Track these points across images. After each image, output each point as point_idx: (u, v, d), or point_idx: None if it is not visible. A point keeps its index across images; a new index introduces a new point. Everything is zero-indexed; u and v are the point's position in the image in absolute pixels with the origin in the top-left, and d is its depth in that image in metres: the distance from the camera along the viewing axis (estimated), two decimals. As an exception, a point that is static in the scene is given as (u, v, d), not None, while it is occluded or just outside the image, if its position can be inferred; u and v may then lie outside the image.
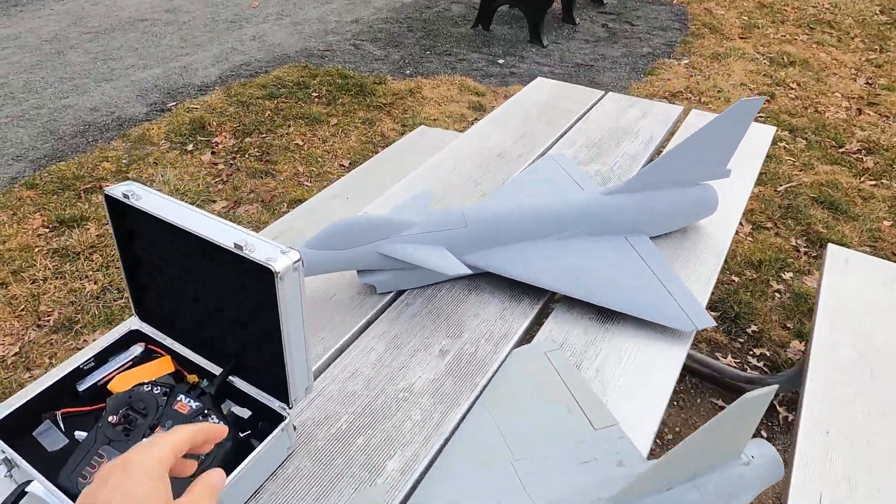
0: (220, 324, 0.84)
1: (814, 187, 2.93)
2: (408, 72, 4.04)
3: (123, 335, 0.95)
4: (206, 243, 0.72)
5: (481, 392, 0.97)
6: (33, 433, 0.86)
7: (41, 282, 2.25)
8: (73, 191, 2.76)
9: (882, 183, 2.99)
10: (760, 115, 3.59)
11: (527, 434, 0.85)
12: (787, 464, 1.45)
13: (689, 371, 1.95)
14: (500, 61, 4.25)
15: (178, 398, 0.82)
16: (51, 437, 0.85)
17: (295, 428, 0.89)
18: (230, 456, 0.78)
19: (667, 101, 3.76)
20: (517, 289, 1.17)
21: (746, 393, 0.66)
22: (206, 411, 0.81)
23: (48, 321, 2.11)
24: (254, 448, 0.78)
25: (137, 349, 0.94)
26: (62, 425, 0.86)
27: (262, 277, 0.69)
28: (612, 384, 0.99)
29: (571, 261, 1.15)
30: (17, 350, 2.00)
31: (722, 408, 1.85)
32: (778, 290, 2.29)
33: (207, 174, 2.91)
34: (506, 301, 1.14)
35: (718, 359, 1.97)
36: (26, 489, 0.76)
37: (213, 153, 3.09)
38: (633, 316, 1.09)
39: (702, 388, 1.90)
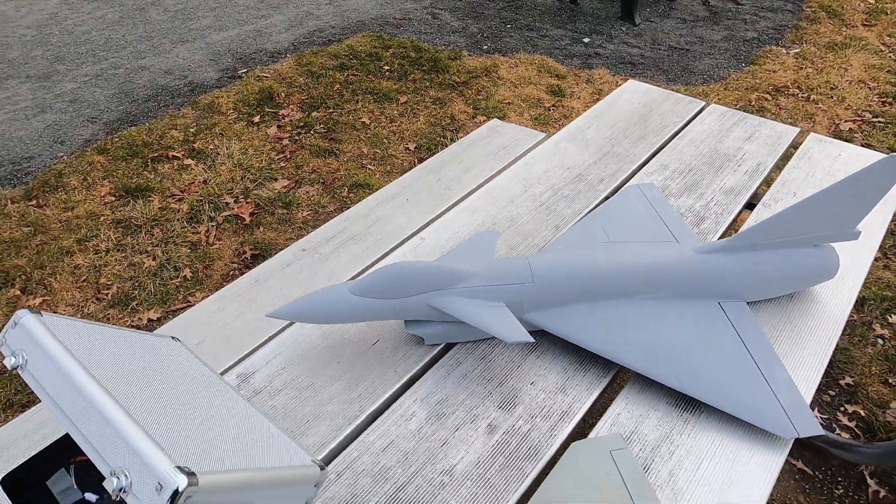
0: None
1: (936, 213, 2.56)
2: (485, 47, 3.82)
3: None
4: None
5: (531, 486, 0.84)
6: (47, 482, 0.81)
7: (103, 253, 2.28)
8: (140, 158, 2.77)
9: None
10: (877, 119, 3.17)
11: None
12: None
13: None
14: (586, 40, 3.95)
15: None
16: (62, 481, 0.79)
17: (319, 491, 0.79)
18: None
19: (770, 96, 3.39)
20: (584, 354, 1.01)
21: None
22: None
23: (107, 295, 2.13)
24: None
25: (159, 398, 0.86)
26: (73, 475, 0.80)
27: None
28: (688, 495, 0.83)
29: (651, 332, 0.99)
30: (76, 322, 2.03)
31: (804, 472, 1.64)
32: (881, 336, 2.01)
33: (272, 149, 2.86)
34: (570, 370, 0.99)
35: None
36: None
37: (279, 127, 3.02)
38: (720, 409, 0.92)
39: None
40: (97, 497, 0.76)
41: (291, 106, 3.17)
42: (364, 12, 4.23)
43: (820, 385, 1.85)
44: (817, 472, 1.64)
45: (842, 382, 1.86)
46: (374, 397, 0.95)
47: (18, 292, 2.13)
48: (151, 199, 2.53)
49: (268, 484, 0.65)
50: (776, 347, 1.03)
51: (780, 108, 3.29)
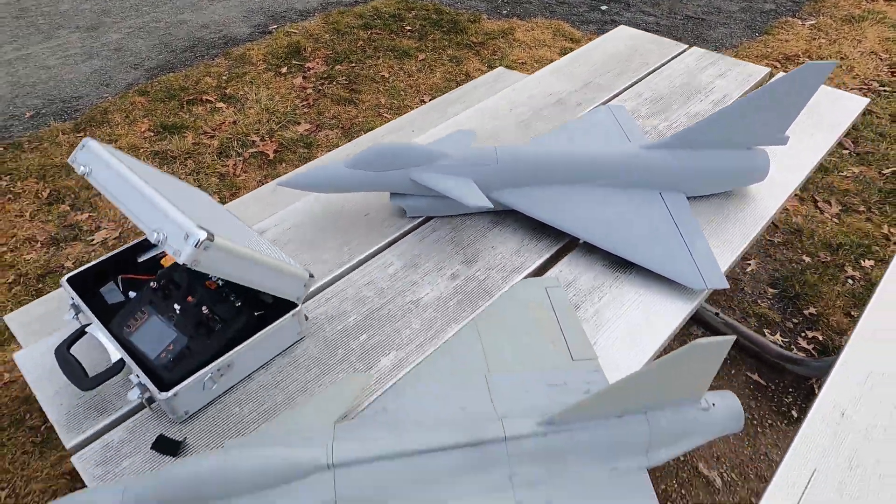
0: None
1: (927, 174, 2.65)
2: (504, 11, 3.96)
3: (179, 221, 1.09)
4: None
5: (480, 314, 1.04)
6: (100, 290, 1.03)
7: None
8: (177, 101, 3.02)
9: None
10: (884, 88, 3.23)
11: (507, 355, 0.91)
12: (792, 435, 1.45)
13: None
14: (603, 7, 4.06)
15: (211, 278, 0.96)
16: (112, 294, 1.01)
17: (307, 318, 1.01)
18: (245, 329, 0.91)
19: (779, 64, 3.47)
20: (540, 230, 1.20)
21: (700, 339, 0.69)
22: (226, 292, 0.93)
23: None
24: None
25: (188, 234, 1.08)
26: (121, 287, 1.03)
27: None
28: (607, 327, 1.02)
29: (597, 209, 1.17)
30: (117, 235, 2.29)
31: (757, 383, 1.81)
32: (852, 277, 2.15)
33: (296, 97, 3.07)
34: (525, 239, 1.18)
35: (765, 335, 1.91)
36: (86, 329, 0.92)
37: (304, 77, 3.24)
38: (646, 268, 1.10)
39: (739, 361, 1.86)
40: (135, 295, 0.98)
41: (317, 59, 3.38)
42: (391, -23, 4.39)
43: (786, 313, 2.01)
44: (770, 384, 1.80)
45: (806, 312, 2.01)
46: (361, 250, 1.16)
47: (68, 208, 2.40)
48: (186, 135, 2.77)
49: (266, 265, 0.86)
50: (706, 231, 1.20)
51: (787, 76, 3.37)
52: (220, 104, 3.00)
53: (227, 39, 3.58)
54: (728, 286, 1.08)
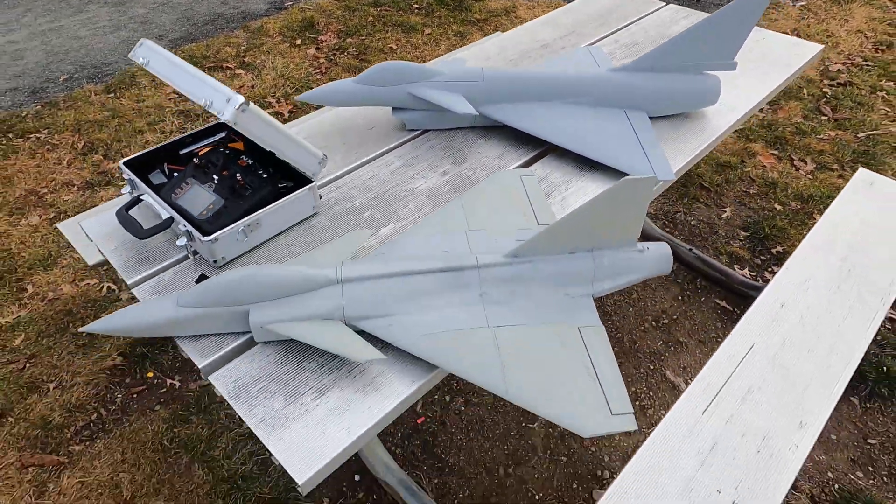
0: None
1: (900, 138, 2.82)
2: (508, -8, 4.15)
3: (214, 124, 1.30)
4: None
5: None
6: (148, 175, 1.24)
7: (168, 134, 2.75)
8: (199, 67, 3.23)
9: (982, 142, 2.81)
10: (866, 63, 3.40)
11: (484, 220, 1.11)
12: (737, 316, 1.65)
13: (701, 274, 2.09)
14: (603, -11, 4.23)
15: (242, 157, 1.16)
16: (158, 177, 1.22)
17: (321, 197, 1.21)
18: (270, 197, 1.11)
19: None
20: (520, 140, 1.40)
21: (628, 176, 0.88)
22: (258, 169, 1.14)
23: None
24: (287, 194, 1.11)
25: (221, 134, 1.29)
26: (166, 172, 1.24)
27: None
28: (571, 208, 1.21)
29: (569, 121, 1.36)
30: (146, 181, 2.51)
31: (725, 308, 1.99)
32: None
33: (310, 66, 3.28)
34: (507, 146, 1.38)
35: (734, 269, 2.10)
36: (141, 198, 1.13)
37: (317, 49, 3.45)
38: (608, 166, 1.29)
39: (709, 290, 2.04)
40: (175, 175, 1.18)
41: (329, 33, 3.59)
42: (400, -40, 4.60)
43: (755, 251, 2.19)
44: (735, 309, 1.99)
45: (773, 251, 2.19)
46: (366, 154, 1.36)
47: (101, 157, 2.62)
48: (207, 96, 2.99)
49: (289, 136, 1.06)
50: (664, 142, 1.39)
51: (775, 51, 3.54)
52: (239, 71, 3.21)
53: (245, 14, 3.80)
54: (674, 178, 1.27)
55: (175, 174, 1.21)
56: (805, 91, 3.17)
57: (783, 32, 3.71)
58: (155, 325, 0.92)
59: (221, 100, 0.96)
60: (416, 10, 3.86)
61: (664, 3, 2.04)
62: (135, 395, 1.75)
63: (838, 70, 3.36)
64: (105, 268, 2.12)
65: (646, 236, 2.24)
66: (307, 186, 1.14)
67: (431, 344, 0.89)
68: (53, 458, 1.60)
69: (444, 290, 0.95)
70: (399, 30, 3.64)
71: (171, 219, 1.08)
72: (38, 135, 2.75)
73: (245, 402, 0.88)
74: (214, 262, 1.08)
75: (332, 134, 1.43)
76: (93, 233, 1.18)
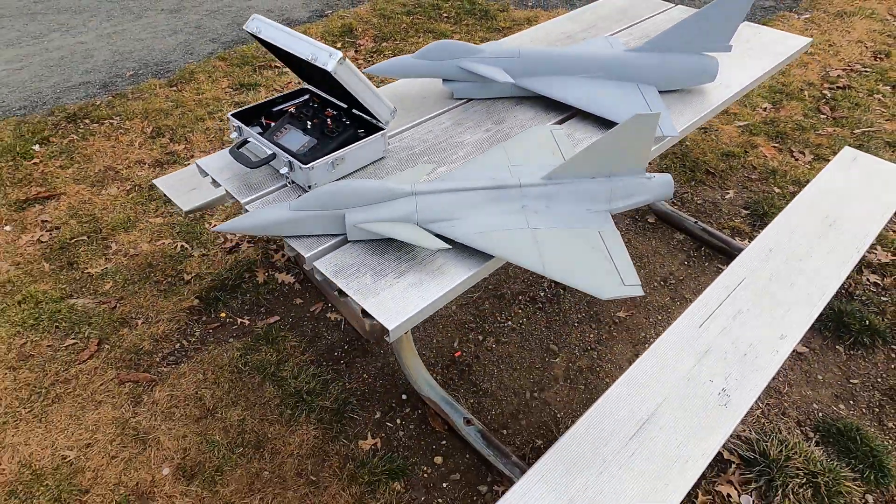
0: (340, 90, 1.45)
1: (894, 134, 3.06)
2: (530, 3, 4.48)
3: (298, 90, 1.59)
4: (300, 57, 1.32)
5: (506, 152, 1.51)
6: (249, 126, 1.53)
7: (225, 121, 3.07)
8: (250, 66, 3.57)
9: (970, 139, 3.05)
10: (865, 69, 3.65)
11: (522, 158, 1.38)
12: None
13: (705, 243, 2.34)
14: (618, 2, 4.54)
15: (327, 109, 1.45)
16: (255, 129, 1.51)
17: (388, 144, 1.49)
18: (351, 139, 1.39)
19: (773, 49, 3.91)
20: (551, 106, 1.68)
21: (637, 113, 1.15)
22: (342, 117, 1.43)
23: (227, 145, 2.91)
24: (365, 136, 1.40)
25: (305, 95, 1.58)
26: (262, 125, 1.53)
27: (319, 70, 1.27)
28: (593, 157, 1.48)
29: (591, 91, 1.64)
30: (209, 160, 2.82)
31: (691, 255, 2.24)
32: (815, 205, 2.57)
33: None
34: (540, 111, 1.66)
35: (735, 239, 2.34)
36: (248, 139, 1.42)
37: (356, 51, 3.77)
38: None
39: (712, 257, 2.29)
40: (269, 126, 1.47)
41: (366, 38, 3.92)
42: (429, -26, 4.95)
43: (755, 226, 2.44)
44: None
45: (771, 225, 2.43)
46: (422, 115, 1.65)
47: (167, 140, 2.94)
48: (259, 90, 3.31)
49: (370, 86, 1.35)
50: (672, 112, 1.66)
51: (780, 59, 3.81)
52: (286, 69, 3.54)
53: (290, 21, 4.15)
54: (678, 133, 1.54)
55: (271, 125, 1.50)
56: (806, 93, 3.43)
57: (787, 42, 3.99)
58: (272, 223, 1.20)
59: (324, 55, 1.25)
60: (445, 19, 4.19)
61: (673, 4, 2.32)
62: (211, 331, 2.03)
63: (838, 75, 3.61)
64: (179, 229, 2.42)
65: (654, 210, 2.51)
66: (380, 133, 1.42)
67: (485, 239, 1.16)
68: (146, 375, 1.88)
69: (493, 202, 1.22)
70: (430, 36, 3.96)
71: (275, 154, 1.37)
72: (111, 121, 3.08)
73: (343, 278, 1.15)
74: (309, 187, 1.36)
75: (393, 100, 1.72)
76: (208, 167, 1.47)
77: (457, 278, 1.16)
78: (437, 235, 1.21)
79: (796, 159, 2.89)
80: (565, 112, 1.66)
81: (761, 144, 2.99)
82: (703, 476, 1.64)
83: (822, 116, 3.23)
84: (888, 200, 1.87)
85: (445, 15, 4.24)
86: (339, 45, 3.83)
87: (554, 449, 1.22)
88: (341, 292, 1.14)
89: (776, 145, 3.00)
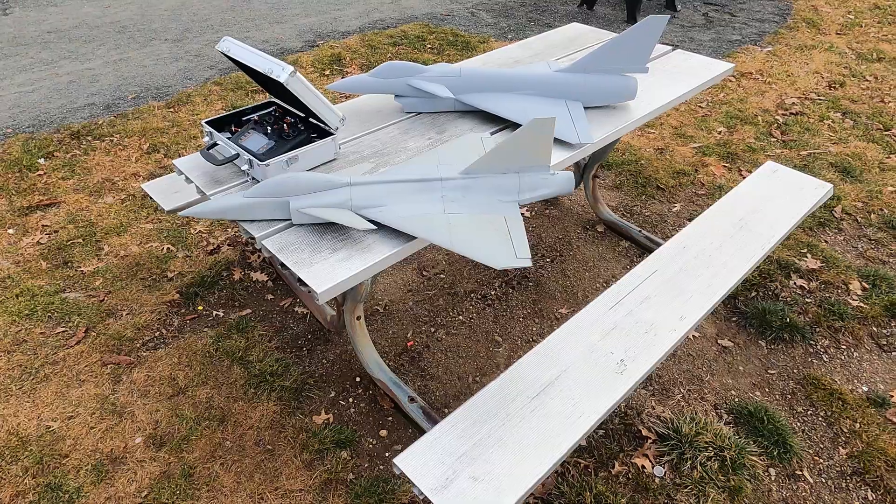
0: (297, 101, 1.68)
1: (838, 156, 3.28)
2: (509, 36, 4.78)
3: (265, 102, 1.83)
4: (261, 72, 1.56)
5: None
6: (220, 133, 1.76)
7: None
8: (243, 91, 3.85)
9: (909, 161, 3.26)
10: (819, 98, 3.89)
11: (451, 159, 1.60)
12: (654, 245, 2.12)
13: (647, 249, 2.54)
14: (593, 35, 4.84)
15: (287, 117, 1.69)
16: (226, 134, 1.74)
17: (340, 148, 1.72)
18: (305, 143, 1.62)
19: (734, 78, 4.17)
20: (488, 120, 1.91)
21: (536, 117, 1.37)
22: (299, 124, 1.66)
23: (218, 162, 3.15)
24: (316, 139, 1.63)
25: (271, 108, 1.82)
26: (232, 130, 1.76)
27: (279, 84, 1.50)
28: (517, 161, 1.70)
29: (522, 105, 1.87)
30: (198, 174, 3.06)
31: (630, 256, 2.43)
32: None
33: (337, 92, 3.87)
34: (477, 123, 1.89)
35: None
36: (217, 142, 1.65)
37: (342, 77, 4.05)
38: (547, 135, 1.78)
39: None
40: (231, 136, 1.70)
41: (353, 66, 4.21)
42: (417, 9, 5.29)
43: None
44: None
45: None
46: (375, 126, 1.88)
47: (162, 156, 3.19)
48: (250, 112, 3.57)
49: (320, 98, 1.57)
50: (596, 125, 1.89)
51: (740, 87, 4.07)
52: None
53: (283, 50, 4.45)
54: (594, 141, 1.76)
55: (237, 132, 1.73)
56: (760, 119, 3.67)
57: (748, 73, 4.25)
58: (229, 208, 1.41)
59: (279, 69, 1.49)
60: (429, 49, 4.48)
61: (618, 34, 2.57)
62: (188, 321, 2.23)
63: (793, 103, 3.86)
64: (166, 234, 2.64)
65: (603, 220, 2.71)
66: (330, 137, 1.65)
67: (406, 222, 1.37)
68: (126, 358, 2.07)
69: (417, 192, 1.44)
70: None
71: (238, 154, 1.60)
72: (111, 138, 3.34)
73: (285, 254, 1.36)
74: (265, 182, 1.57)
75: (351, 114, 1.95)
76: (181, 167, 1.69)
77: (380, 255, 1.36)
78: (369, 220, 1.42)
79: (743, 177, 3.10)
80: (501, 124, 1.89)
81: (712, 164, 3.21)
82: (621, 449, 1.81)
83: (773, 139, 3.46)
84: (798, 207, 2.08)
85: (430, 46, 4.54)
86: (327, 72, 4.12)
87: (465, 405, 1.40)
88: (283, 265, 1.35)
89: (726, 165, 3.22)
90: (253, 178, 1.61)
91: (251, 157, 1.55)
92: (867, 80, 4.15)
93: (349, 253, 1.37)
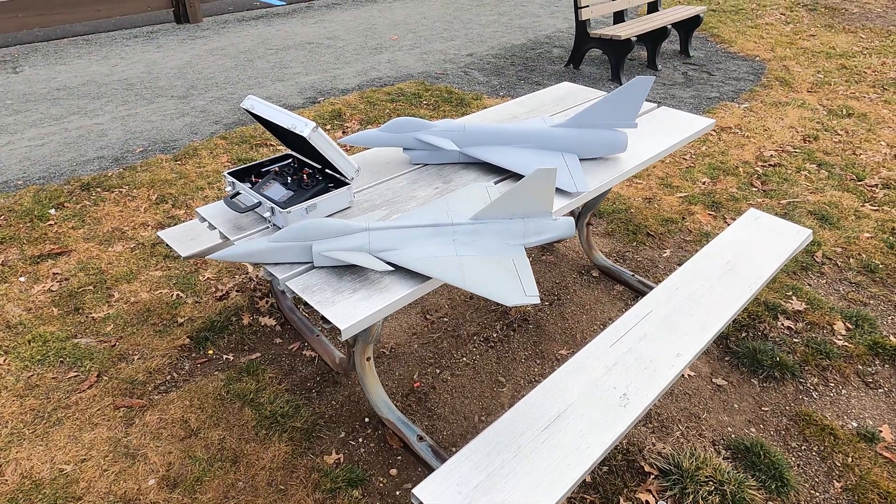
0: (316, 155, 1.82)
1: (816, 205, 3.46)
2: (501, 93, 5.03)
3: (283, 155, 1.96)
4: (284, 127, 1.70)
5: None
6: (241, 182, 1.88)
7: (223, 190, 3.44)
8: (248, 144, 4.01)
9: (883, 209, 3.45)
10: (795, 150, 4.12)
11: (459, 206, 1.72)
12: (647, 289, 2.23)
13: (641, 293, 2.65)
14: (580, 93, 5.10)
15: (304, 168, 1.81)
16: (248, 184, 1.86)
17: (354, 197, 1.84)
18: (323, 192, 1.74)
19: (715, 133, 4.41)
20: (490, 170, 2.04)
21: (539, 168, 1.51)
22: (317, 175, 1.78)
23: (225, 212, 3.26)
24: (334, 189, 1.75)
25: (289, 159, 1.94)
26: (252, 181, 1.88)
27: (299, 137, 1.65)
28: (520, 208, 1.83)
29: (522, 157, 2.02)
30: (206, 223, 3.16)
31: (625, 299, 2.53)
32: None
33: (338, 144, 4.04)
34: (481, 174, 2.02)
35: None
36: (239, 191, 1.77)
37: (343, 132, 4.23)
38: (546, 184, 1.91)
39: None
40: (257, 183, 1.81)
41: (353, 121, 4.40)
42: (413, 68, 5.56)
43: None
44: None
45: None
46: (385, 176, 2.00)
47: (170, 206, 3.30)
48: (255, 164, 3.72)
49: (338, 150, 1.70)
50: (589, 175, 2.03)
51: (720, 140, 4.30)
52: (280, 147, 3.98)
53: (286, 106, 4.65)
54: (590, 190, 1.89)
55: (258, 182, 1.85)
56: (741, 170, 3.88)
57: (728, 127, 4.50)
58: (256, 252, 1.51)
59: (302, 124, 1.62)
60: (425, 105, 4.70)
61: (604, 94, 2.77)
62: (199, 365, 2.28)
63: (770, 155, 4.08)
64: (175, 280, 2.72)
65: (598, 265, 2.83)
66: (346, 187, 1.77)
67: (421, 263, 1.48)
68: (138, 401, 2.11)
69: (430, 237, 1.55)
70: (410, 120, 4.45)
71: (260, 202, 1.71)
72: (120, 189, 3.45)
73: (309, 293, 1.45)
74: (286, 228, 1.68)
75: (362, 166, 2.08)
76: (205, 214, 1.80)
77: (397, 294, 1.46)
78: (385, 262, 1.53)
79: (728, 224, 3.26)
80: (502, 174, 2.03)
81: (698, 212, 3.37)
82: (624, 485, 1.87)
83: (754, 189, 3.65)
84: (780, 251, 2.21)
85: (426, 102, 4.76)
86: (328, 126, 4.30)
87: (478, 437, 1.47)
88: (307, 304, 1.44)
89: (712, 213, 3.38)
90: (274, 225, 1.72)
91: (273, 205, 1.66)
92: (839, 134, 4.41)
93: (368, 293, 1.46)
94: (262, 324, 2.48)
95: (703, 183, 3.70)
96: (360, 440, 1.99)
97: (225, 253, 1.52)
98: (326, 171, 1.84)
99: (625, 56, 5.24)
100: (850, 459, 1.97)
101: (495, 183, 1.98)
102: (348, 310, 1.41)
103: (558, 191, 1.91)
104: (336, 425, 2.04)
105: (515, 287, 1.42)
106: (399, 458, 1.94)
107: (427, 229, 1.56)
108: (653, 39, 5.61)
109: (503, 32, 6.87)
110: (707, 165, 3.91)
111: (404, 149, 2.08)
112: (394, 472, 1.89)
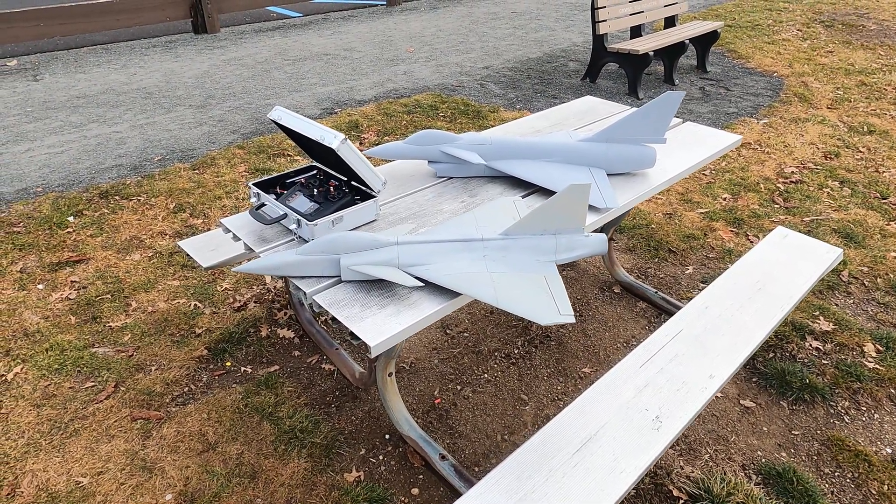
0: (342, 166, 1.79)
1: (840, 222, 3.41)
2: (518, 106, 5.02)
3: (308, 166, 1.94)
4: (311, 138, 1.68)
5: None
6: (266, 193, 1.86)
7: (242, 200, 3.43)
8: (265, 154, 4.01)
9: (909, 228, 3.38)
10: (816, 167, 4.07)
11: (487, 221, 1.69)
12: (671, 307, 2.18)
13: (664, 310, 2.60)
14: (597, 106, 5.08)
15: (330, 180, 1.79)
16: (273, 196, 1.84)
17: (380, 210, 1.81)
18: (349, 204, 1.71)
19: (734, 149, 4.36)
20: (516, 184, 2.01)
21: (572, 183, 1.47)
22: (343, 187, 1.76)
23: (242, 221, 3.25)
24: (361, 201, 1.72)
25: (314, 171, 1.92)
26: (277, 193, 1.85)
27: (325, 148, 1.63)
28: (548, 223, 1.80)
29: (550, 172, 1.99)
30: (224, 233, 3.14)
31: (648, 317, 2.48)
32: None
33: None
34: (507, 188, 2.00)
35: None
36: (265, 203, 1.75)
37: (360, 143, 4.23)
38: (574, 199, 1.88)
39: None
40: (282, 194, 1.79)
41: (370, 132, 4.40)
42: (430, 80, 5.56)
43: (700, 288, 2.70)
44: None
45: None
46: (410, 189, 1.98)
47: (188, 215, 3.29)
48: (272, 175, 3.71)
49: (366, 163, 1.68)
50: (619, 189, 2.00)
51: (740, 156, 4.25)
52: (298, 157, 3.97)
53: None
54: (619, 205, 1.86)
55: (283, 193, 1.83)
56: (762, 186, 3.83)
57: (747, 143, 4.46)
58: (283, 265, 1.48)
59: (330, 136, 1.60)
60: (441, 117, 4.70)
61: (627, 108, 2.74)
62: (217, 377, 2.26)
63: (792, 172, 4.03)
64: (193, 290, 2.70)
65: (620, 282, 2.79)
66: (372, 199, 1.74)
67: (451, 279, 1.45)
68: (156, 413, 2.08)
69: (460, 252, 1.52)
70: (427, 132, 4.44)
71: (286, 214, 1.68)
72: (138, 197, 3.45)
73: (336, 308, 1.42)
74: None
75: (388, 178, 2.06)
76: (229, 225, 1.78)
77: (427, 311, 1.42)
78: (414, 277, 1.50)
79: (751, 242, 3.21)
80: (529, 189, 2.00)
81: (720, 229, 3.33)
82: (653, 509, 1.81)
83: (776, 206, 3.60)
84: (810, 270, 2.16)
85: (442, 114, 4.75)
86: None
87: (508, 460, 1.43)
88: (335, 319, 1.41)
89: (733, 230, 3.33)
90: (300, 237, 1.69)
91: (299, 217, 1.64)
92: (861, 151, 4.35)
93: (397, 308, 1.43)
94: (281, 336, 2.46)
95: (724, 199, 3.66)
96: (381, 457, 1.95)
97: (252, 265, 1.49)
98: (352, 183, 1.82)
99: (642, 70, 5.22)
100: (885, 487, 1.90)
101: (522, 197, 1.95)
102: (378, 326, 1.37)
103: (588, 207, 1.88)
104: (356, 441, 2.00)
105: (549, 305, 1.38)
106: (421, 476, 1.89)
107: (457, 244, 1.53)
108: (670, 54, 5.59)
109: (519, 46, 6.88)
110: (727, 181, 3.86)
111: (429, 161, 2.06)
112: (415, 491, 1.85)
